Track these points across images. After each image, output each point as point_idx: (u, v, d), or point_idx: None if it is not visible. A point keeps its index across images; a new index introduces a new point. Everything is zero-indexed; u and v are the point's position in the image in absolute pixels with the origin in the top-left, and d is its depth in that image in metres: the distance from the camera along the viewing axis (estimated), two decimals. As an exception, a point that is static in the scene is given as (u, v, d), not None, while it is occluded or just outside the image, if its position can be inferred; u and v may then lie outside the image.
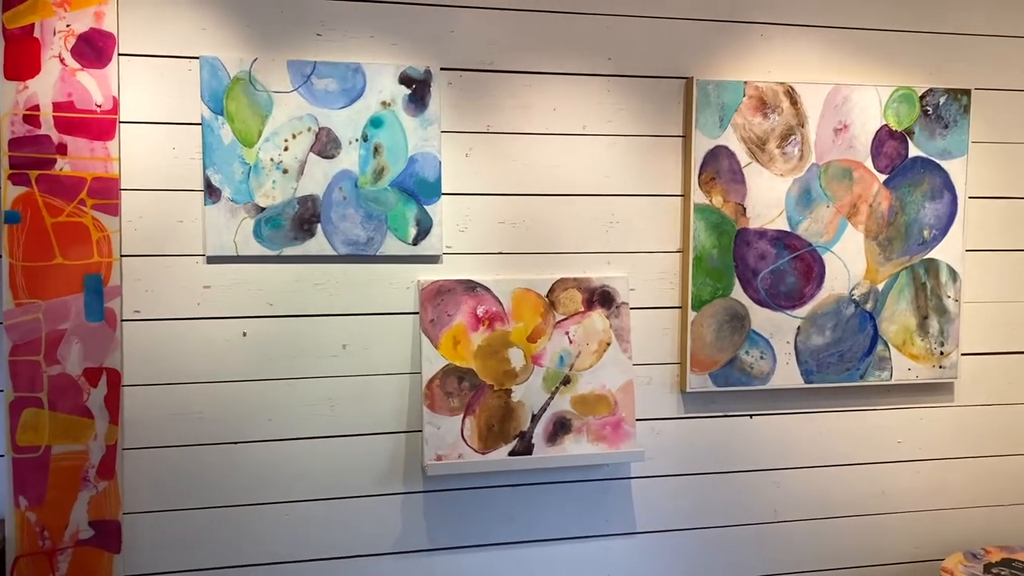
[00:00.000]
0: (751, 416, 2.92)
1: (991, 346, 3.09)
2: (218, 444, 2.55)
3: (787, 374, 2.89)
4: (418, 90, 2.60)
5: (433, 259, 2.66)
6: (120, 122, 2.41)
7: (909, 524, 3.08)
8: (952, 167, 2.95)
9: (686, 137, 2.79)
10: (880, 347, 2.95)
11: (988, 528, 3.15)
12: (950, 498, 3.11)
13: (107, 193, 2.39)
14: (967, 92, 2.95)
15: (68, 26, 2.35)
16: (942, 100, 2.93)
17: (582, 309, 2.73)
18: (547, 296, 2.70)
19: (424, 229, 2.63)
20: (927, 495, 3.09)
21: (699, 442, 2.89)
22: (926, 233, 2.95)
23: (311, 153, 2.53)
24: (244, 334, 2.55)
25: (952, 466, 3.10)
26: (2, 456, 2.40)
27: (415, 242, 2.63)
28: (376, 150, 2.57)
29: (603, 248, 2.78)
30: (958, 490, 3.12)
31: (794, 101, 2.82)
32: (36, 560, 2.38)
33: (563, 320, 2.71)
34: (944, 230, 2.97)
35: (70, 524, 2.40)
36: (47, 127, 2.34)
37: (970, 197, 3.00)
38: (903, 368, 2.97)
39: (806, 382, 2.90)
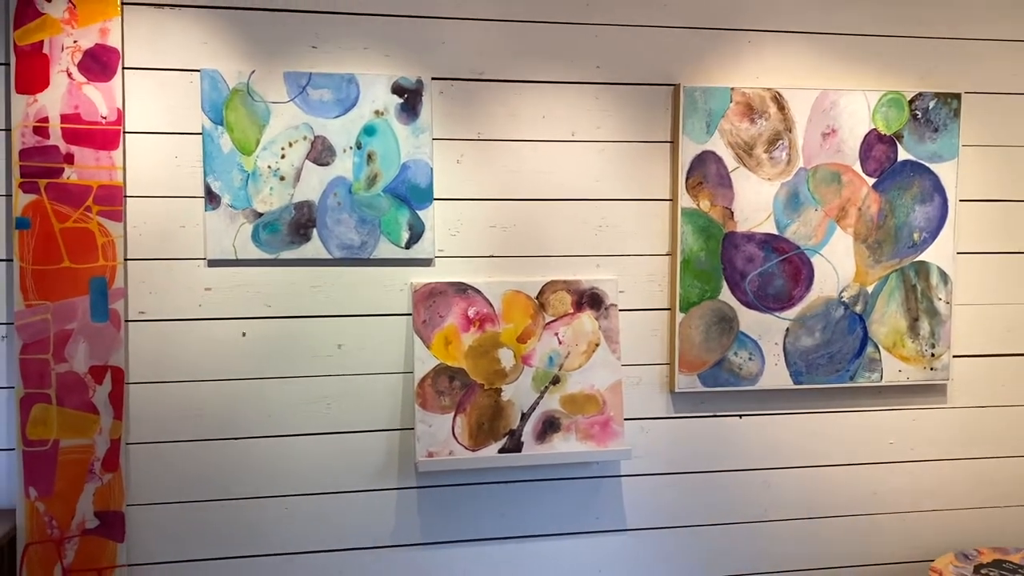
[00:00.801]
0: (740, 416, 2.97)
1: (984, 348, 3.10)
2: (218, 440, 2.66)
3: (776, 375, 2.93)
4: (410, 99, 2.69)
5: (425, 262, 2.75)
6: (124, 132, 2.54)
7: (901, 525, 3.10)
8: (942, 170, 2.97)
9: (674, 143, 2.85)
10: (870, 349, 2.98)
11: (982, 529, 3.16)
12: (944, 499, 3.13)
13: (112, 200, 2.51)
14: (957, 96, 2.97)
15: (75, 42, 2.48)
16: (932, 104, 2.96)
17: (571, 311, 2.80)
18: (537, 298, 2.78)
19: (416, 233, 2.72)
20: (920, 496, 3.11)
21: (689, 441, 2.94)
22: (916, 236, 2.98)
23: (307, 161, 2.64)
24: (243, 334, 2.66)
25: (946, 467, 3.12)
26: (13, 449, 2.54)
27: (408, 246, 2.72)
28: (369, 157, 2.67)
29: (592, 251, 2.85)
30: (952, 491, 3.13)
31: (781, 106, 2.87)
32: (45, 547, 2.51)
33: (553, 321, 2.78)
34: (935, 233, 2.99)
35: (77, 514, 2.53)
36: (55, 138, 2.47)
37: (961, 200, 3.02)
38: (894, 370, 3.00)
39: (795, 383, 2.94)
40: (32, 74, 2.46)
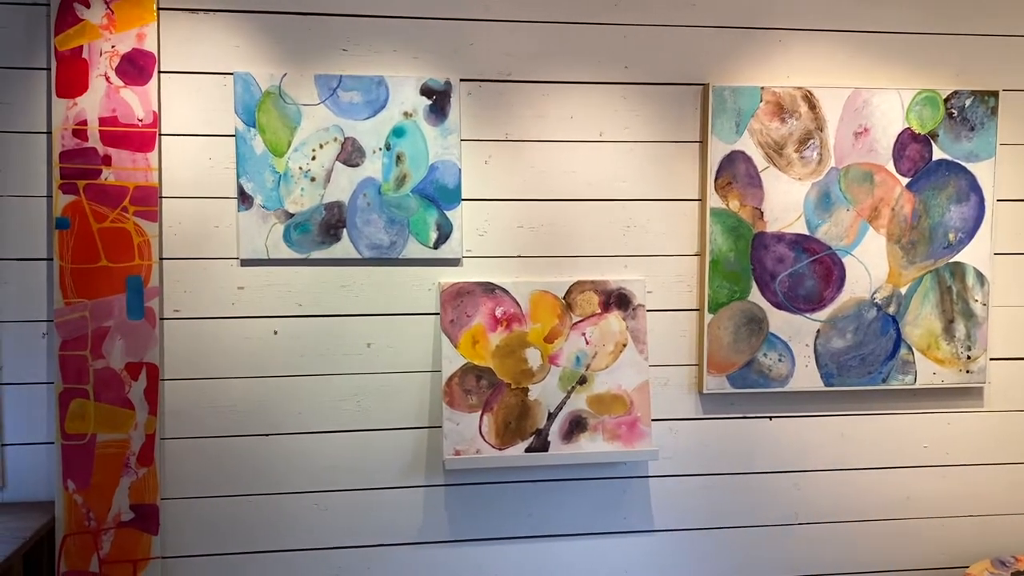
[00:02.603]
0: (770, 418, 2.94)
1: (1023, 351, 3.04)
2: (250, 436, 2.71)
3: (807, 377, 2.90)
4: (439, 101, 2.72)
5: (453, 262, 2.77)
6: (160, 135, 2.60)
7: (937, 530, 3.05)
8: (979, 170, 2.92)
9: (703, 142, 2.84)
10: (904, 351, 2.93)
11: (1020, 535, 3.09)
12: (980, 504, 3.07)
13: (147, 201, 2.58)
14: (995, 94, 2.91)
15: (113, 47, 2.54)
16: (968, 102, 2.90)
17: (599, 311, 2.80)
18: (564, 298, 2.78)
19: (445, 233, 2.75)
20: (955, 501, 3.05)
21: (717, 443, 2.93)
22: (951, 236, 2.93)
23: (337, 162, 2.68)
24: (275, 332, 2.71)
25: (982, 472, 3.06)
26: (52, 443, 2.62)
27: (436, 246, 2.74)
28: (398, 158, 2.70)
29: (620, 251, 2.85)
30: (989, 496, 3.07)
31: (812, 105, 2.84)
32: (82, 539, 2.58)
33: (580, 321, 2.79)
34: (971, 233, 2.94)
35: (113, 507, 2.59)
36: (94, 140, 2.54)
37: (998, 200, 2.96)
38: (928, 372, 2.95)
39: (826, 385, 2.91)
40: (72, 78, 2.53)
